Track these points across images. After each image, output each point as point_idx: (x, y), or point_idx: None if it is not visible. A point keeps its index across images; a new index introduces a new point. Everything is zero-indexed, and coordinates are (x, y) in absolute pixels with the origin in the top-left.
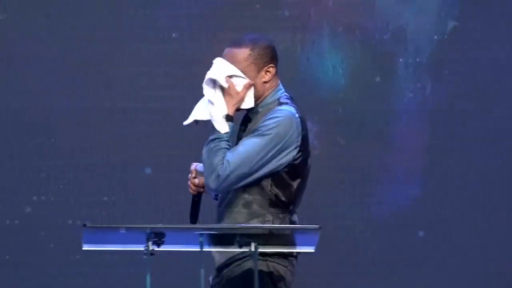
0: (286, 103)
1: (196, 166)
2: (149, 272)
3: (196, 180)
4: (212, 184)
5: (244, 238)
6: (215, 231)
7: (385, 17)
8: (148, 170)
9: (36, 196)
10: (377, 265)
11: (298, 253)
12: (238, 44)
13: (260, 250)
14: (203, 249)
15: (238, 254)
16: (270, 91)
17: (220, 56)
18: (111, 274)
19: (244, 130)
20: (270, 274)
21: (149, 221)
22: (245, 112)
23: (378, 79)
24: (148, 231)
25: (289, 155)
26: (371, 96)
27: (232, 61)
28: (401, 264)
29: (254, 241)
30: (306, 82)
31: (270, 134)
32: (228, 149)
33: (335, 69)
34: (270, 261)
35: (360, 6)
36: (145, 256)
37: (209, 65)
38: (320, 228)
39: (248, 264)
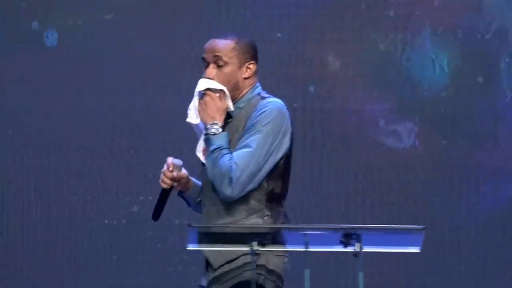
0: (269, 97)
1: (172, 159)
2: (254, 272)
3: (174, 174)
4: (227, 190)
5: (348, 238)
6: (319, 231)
7: (488, 17)
8: None
9: (143, 196)
10: (481, 266)
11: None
12: (223, 36)
13: (365, 250)
14: (308, 249)
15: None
16: (249, 88)
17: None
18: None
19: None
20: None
21: None
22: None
23: (480, 79)
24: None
25: (286, 143)
26: (473, 96)
27: (216, 49)
28: (504, 264)
29: (359, 242)
30: (407, 82)
31: (268, 127)
32: (231, 153)
33: (436, 69)
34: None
35: (466, 5)
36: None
37: (314, 65)
38: (425, 228)
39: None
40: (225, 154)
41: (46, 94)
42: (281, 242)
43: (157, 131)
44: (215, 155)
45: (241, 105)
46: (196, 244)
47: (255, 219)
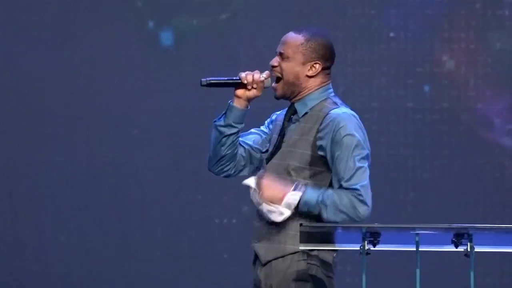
0: (341, 104)
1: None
2: (364, 272)
3: (263, 82)
4: (366, 212)
5: (459, 238)
6: (431, 231)
7: None
8: None
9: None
10: None
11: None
12: (298, 30)
13: (477, 250)
14: (419, 249)
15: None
16: (317, 87)
17: None
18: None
19: (289, 121)
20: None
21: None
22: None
23: None
24: (364, 230)
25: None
26: None
27: (285, 42)
28: None
29: (470, 242)
30: None
31: (357, 141)
32: (333, 192)
33: None
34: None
35: None
36: (360, 256)
37: (429, 65)
38: None
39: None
40: (332, 193)
41: (163, 94)
42: (391, 242)
43: None
44: (327, 204)
45: (309, 103)
46: (307, 244)
47: (303, 220)
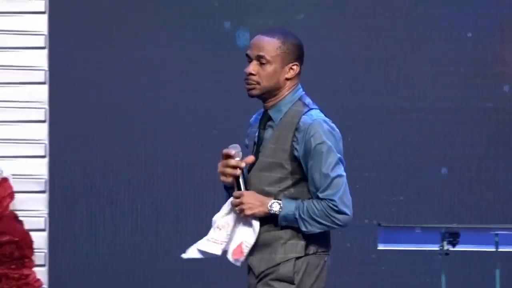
0: (311, 105)
1: (231, 149)
2: (444, 272)
3: (238, 160)
4: (345, 219)
5: None
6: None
7: None
8: (444, 170)
9: None
10: None
11: None
12: (270, 34)
13: None
14: (499, 249)
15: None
16: (290, 89)
17: None
18: (404, 273)
19: (264, 128)
20: None
21: (443, 221)
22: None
23: None
24: (443, 230)
25: None
26: None
27: (261, 45)
28: None
29: None
30: None
31: (328, 148)
32: (310, 199)
33: None
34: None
35: None
36: (440, 256)
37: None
38: None
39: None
40: (306, 206)
41: (239, 93)
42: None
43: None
44: (304, 218)
45: (283, 108)
46: (386, 244)
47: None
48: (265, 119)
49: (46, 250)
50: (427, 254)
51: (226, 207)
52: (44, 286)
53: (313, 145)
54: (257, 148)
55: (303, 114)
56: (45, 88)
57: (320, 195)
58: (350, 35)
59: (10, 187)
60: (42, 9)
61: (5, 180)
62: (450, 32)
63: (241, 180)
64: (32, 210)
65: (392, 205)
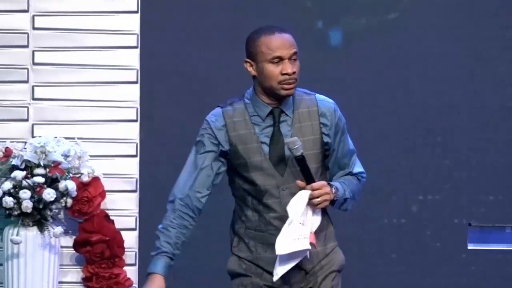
0: (315, 93)
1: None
2: None
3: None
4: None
5: None
6: None
7: None
8: None
9: (422, 196)
10: None
11: None
12: (285, 31)
13: None
14: None
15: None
16: None
17: None
18: (494, 274)
19: (279, 124)
20: None
21: None
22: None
23: None
24: None
25: None
26: None
27: (292, 43)
28: None
29: None
30: None
31: (346, 126)
32: (351, 184)
33: None
34: None
35: None
36: None
37: None
38: None
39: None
40: (348, 185)
41: (332, 94)
42: None
43: (443, 130)
44: (351, 196)
45: (289, 101)
46: (477, 243)
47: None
48: (277, 115)
49: (136, 249)
50: None
51: (300, 201)
52: (134, 285)
53: (341, 125)
54: (281, 144)
55: (317, 100)
56: (136, 88)
57: (354, 171)
58: (441, 35)
59: (101, 186)
60: (135, 9)
61: (96, 179)
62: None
63: (312, 172)
64: (123, 209)
65: (482, 205)
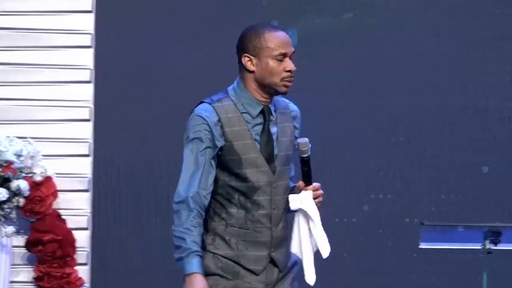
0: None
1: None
2: (486, 271)
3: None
4: None
5: None
6: None
7: None
8: (486, 169)
9: (374, 195)
10: None
11: None
12: (281, 29)
13: None
14: None
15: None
16: None
17: None
18: (446, 272)
19: (269, 121)
20: None
21: (486, 220)
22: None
23: None
24: (485, 229)
25: None
26: None
27: (291, 41)
28: None
29: None
30: None
31: None
32: None
33: None
34: None
35: None
36: (481, 255)
37: None
38: None
39: None
40: None
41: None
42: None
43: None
44: None
45: (272, 101)
46: (429, 242)
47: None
48: (267, 114)
49: (88, 249)
50: (469, 253)
51: (311, 202)
52: (85, 285)
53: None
54: (271, 143)
55: (288, 103)
56: (90, 87)
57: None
58: (399, 35)
59: (53, 186)
60: (89, 8)
61: (49, 179)
62: (500, 30)
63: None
64: (75, 209)
65: (435, 204)
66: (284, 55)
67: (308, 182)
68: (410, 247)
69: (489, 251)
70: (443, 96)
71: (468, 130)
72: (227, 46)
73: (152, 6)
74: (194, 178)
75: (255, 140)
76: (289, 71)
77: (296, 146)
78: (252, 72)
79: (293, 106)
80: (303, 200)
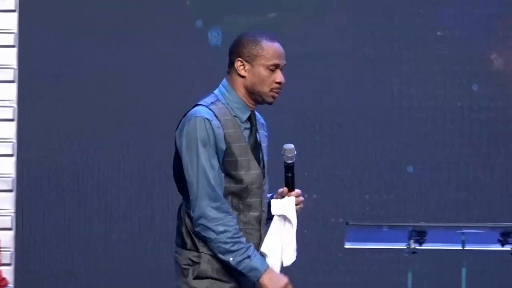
0: None
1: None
2: (410, 271)
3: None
4: None
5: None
6: (477, 230)
7: None
8: (410, 169)
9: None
10: None
11: None
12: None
13: None
14: (465, 248)
15: None
16: None
17: None
18: (372, 272)
19: (255, 126)
20: None
21: (411, 220)
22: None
23: None
24: (410, 229)
25: None
26: None
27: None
28: None
29: None
30: None
31: None
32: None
33: None
34: None
35: None
36: (406, 255)
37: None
38: None
39: None
40: None
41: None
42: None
43: (321, 129)
44: None
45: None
46: (354, 242)
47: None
48: (253, 119)
49: (12, 249)
50: (394, 253)
51: (293, 209)
52: (10, 285)
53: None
54: (258, 147)
55: (257, 112)
56: (14, 87)
57: None
58: (325, 34)
59: None
60: (12, 7)
61: None
62: (425, 31)
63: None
64: None
65: (359, 204)
66: (277, 66)
67: (291, 188)
68: (335, 247)
69: (414, 251)
70: (367, 96)
71: (392, 130)
72: (151, 46)
73: (75, 6)
74: (215, 181)
75: (247, 143)
76: (279, 82)
77: (282, 152)
78: (243, 77)
79: (260, 115)
80: (286, 206)
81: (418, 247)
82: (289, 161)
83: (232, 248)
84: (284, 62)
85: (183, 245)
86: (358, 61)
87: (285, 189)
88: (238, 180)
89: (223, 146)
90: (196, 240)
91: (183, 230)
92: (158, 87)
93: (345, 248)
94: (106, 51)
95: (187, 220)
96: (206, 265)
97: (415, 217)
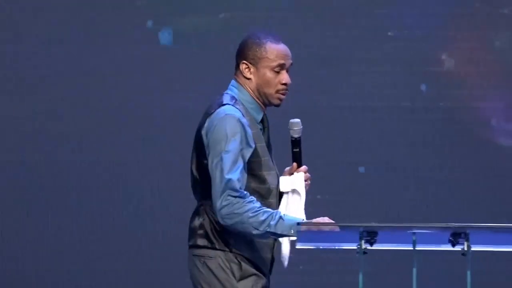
0: None
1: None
2: (361, 271)
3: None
4: None
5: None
6: (428, 230)
7: None
8: (361, 169)
9: None
10: None
11: None
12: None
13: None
14: (416, 248)
15: None
16: None
17: None
18: (322, 272)
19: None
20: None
21: (362, 220)
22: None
23: None
24: (361, 229)
25: None
26: None
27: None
28: None
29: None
30: None
31: None
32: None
33: None
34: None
35: None
36: (357, 255)
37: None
38: None
39: None
40: None
41: (162, 94)
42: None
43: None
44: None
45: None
46: (305, 243)
47: None
48: (265, 120)
49: None
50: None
51: (302, 184)
52: None
53: None
54: (271, 148)
55: None
56: None
57: None
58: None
59: None
60: None
61: None
62: (372, 31)
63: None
64: None
65: (311, 204)
66: (282, 66)
67: (299, 163)
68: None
69: (365, 251)
70: (318, 95)
71: (344, 129)
72: (100, 46)
73: (21, 4)
74: (240, 180)
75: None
76: (285, 84)
77: (289, 126)
78: (249, 79)
79: None
80: (295, 181)
81: (369, 247)
82: (296, 135)
83: (262, 218)
84: (290, 61)
85: (211, 246)
86: (307, 61)
87: (294, 164)
88: (263, 180)
89: (253, 145)
90: (226, 237)
91: (208, 229)
92: (109, 87)
93: (296, 248)
94: (55, 51)
95: (212, 219)
96: (245, 263)
97: (366, 217)
